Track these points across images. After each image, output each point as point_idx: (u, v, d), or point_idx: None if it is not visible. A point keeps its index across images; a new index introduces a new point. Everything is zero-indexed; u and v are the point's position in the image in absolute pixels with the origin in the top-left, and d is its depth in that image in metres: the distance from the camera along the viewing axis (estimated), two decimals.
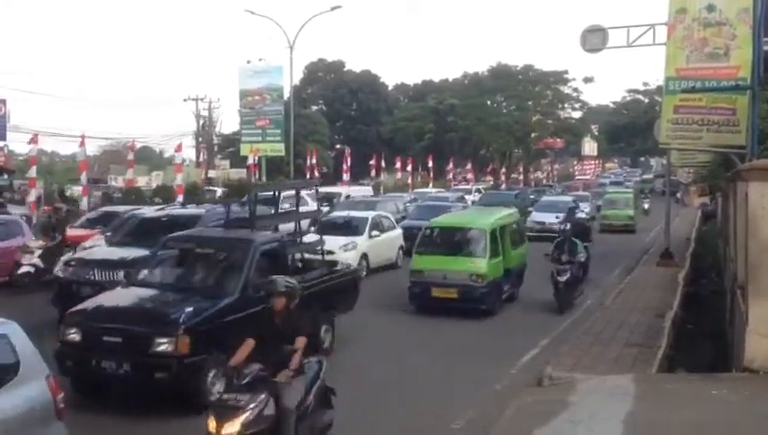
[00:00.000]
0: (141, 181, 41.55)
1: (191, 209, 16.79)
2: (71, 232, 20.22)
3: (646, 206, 42.64)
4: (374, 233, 20.70)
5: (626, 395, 8.87)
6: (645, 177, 75.48)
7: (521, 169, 75.31)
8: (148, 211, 18.03)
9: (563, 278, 15.52)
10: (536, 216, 30.91)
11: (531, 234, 26.18)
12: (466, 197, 40.10)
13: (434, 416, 8.96)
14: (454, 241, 16.09)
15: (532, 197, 40.87)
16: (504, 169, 69.36)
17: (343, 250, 18.98)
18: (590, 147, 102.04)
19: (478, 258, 15.02)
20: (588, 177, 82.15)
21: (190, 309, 9.00)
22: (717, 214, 29.04)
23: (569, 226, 18.52)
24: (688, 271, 20.51)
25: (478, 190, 44.01)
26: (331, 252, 18.58)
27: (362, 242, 19.98)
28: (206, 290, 9.90)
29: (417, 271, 15.27)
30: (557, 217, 24.79)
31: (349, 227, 20.40)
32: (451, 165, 55.99)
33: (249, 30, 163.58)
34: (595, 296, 17.42)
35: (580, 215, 21.68)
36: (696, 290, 18.75)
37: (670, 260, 21.79)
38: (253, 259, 10.05)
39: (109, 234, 16.75)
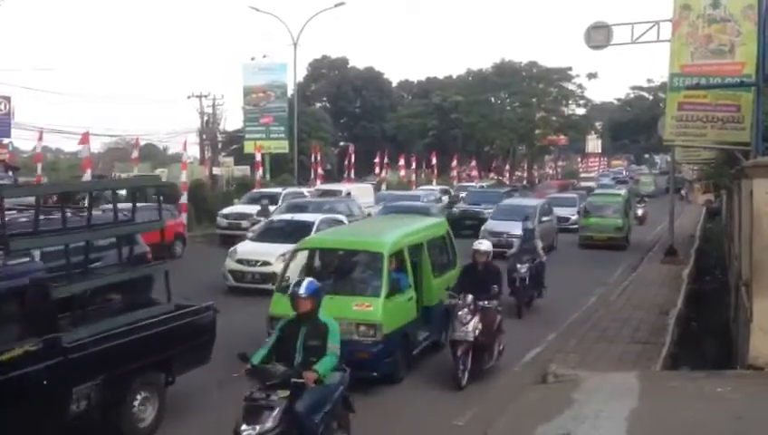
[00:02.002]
0: None
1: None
2: None
3: (639, 212, 35.33)
4: None
5: (630, 392, 8.86)
6: (643, 176, 69.13)
7: (525, 167, 75.24)
8: None
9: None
10: (492, 225, 23.58)
11: None
12: (445, 198, 36.14)
13: (436, 413, 8.97)
14: (336, 271, 11.13)
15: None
16: (507, 167, 69.35)
17: (282, 260, 15.48)
18: (593, 144, 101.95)
19: (369, 298, 9.86)
20: (592, 174, 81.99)
21: None
22: (722, 211, 29.00)
23: (522, 266, 14.78)
24: (693, 268, 20.50)
25: (482, 187, 43.86)
26: (267, 262, 16.45)
27: None
28: None
29: (277, 317, 9.02)
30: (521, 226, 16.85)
31: (292, 234, 16.72)
32: (455, 162, 55.97)
33: (253, 27, 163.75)
34: (599, 294, 17.43)
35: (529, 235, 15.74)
36: (700, 287, 18.75)
37: (674, 257, 21.79)
38: None
39: None
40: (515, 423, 8.23)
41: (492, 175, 68.12)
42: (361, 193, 31.66)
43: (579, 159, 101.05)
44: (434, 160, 52.46)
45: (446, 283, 11.65)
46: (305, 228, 16.97)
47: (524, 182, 64.74)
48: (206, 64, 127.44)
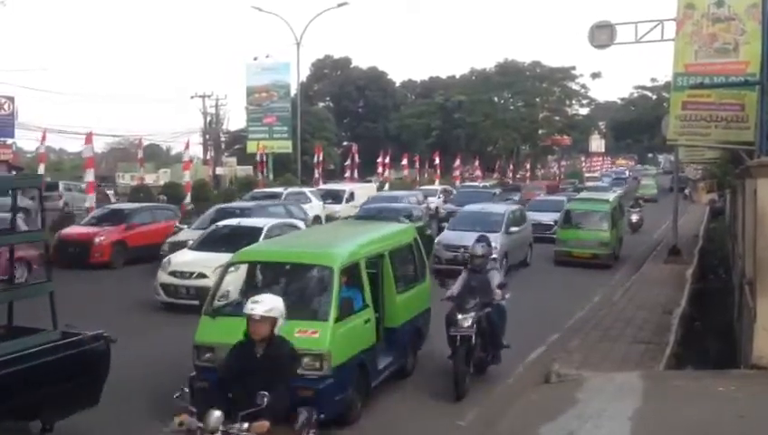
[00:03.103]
0: (149, 179, 41.74)
1: None
2: (76, 230, 20.36)
3: (634, 218, 31.08)
4: None
5: (633, 392, 8.85)
6: (645, 178, 66.40)
7: (528, 166, 75.30)
8: None
9: None
10: (449, 237, 19.80)
11: (439, 266, 18.20)
12: (431, 199, 33.44)
13: (438, 413, 8.95)
14: (277, 290, 8.83)
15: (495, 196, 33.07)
16: (511, 166, 69.35)
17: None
18: (597, 143, 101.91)
19: (314, 322, 8.18)
20: (596, 174, 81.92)
21: None
22: (726, 210, 28.92)
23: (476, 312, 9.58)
24: (696, 268, 20.46)
25: (484, 186, 43.74)
26: (202, 275, 14.23)
27: None
28: None
29: (204, 347, 8.24)
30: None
31: (238, 241, 13.64)
32: (458, 162, 56.01)
33: (256, 27, 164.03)
34: (603, 293, 17.41)
35: None
36: (704, 287, 18.70)
37: (678, 257, 21.73)
38: None
39: None
40: (519, 423, 8.22)
41: (495, 175, 68.09)
42: (364, 193, 31.66)
43: (582, 159, 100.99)
44: (437, 160, 52.51)
45: (412, 299, 10.30)
46: (253, 235, 14.79)
47: (527, 182, 64.72)
48: (209, 64, 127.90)
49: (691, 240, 26.16)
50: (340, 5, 43.55)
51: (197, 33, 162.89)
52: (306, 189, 30.60)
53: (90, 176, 23.82)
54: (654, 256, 23.30)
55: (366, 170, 50.75)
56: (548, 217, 26.18)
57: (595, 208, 23.05)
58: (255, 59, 52.39)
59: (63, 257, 19.21)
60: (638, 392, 8.86)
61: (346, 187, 33.85)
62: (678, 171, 30.41)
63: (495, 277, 10.15)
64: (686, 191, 49.32)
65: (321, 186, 35.13)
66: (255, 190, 30.01)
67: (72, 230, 20.39)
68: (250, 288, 9.59)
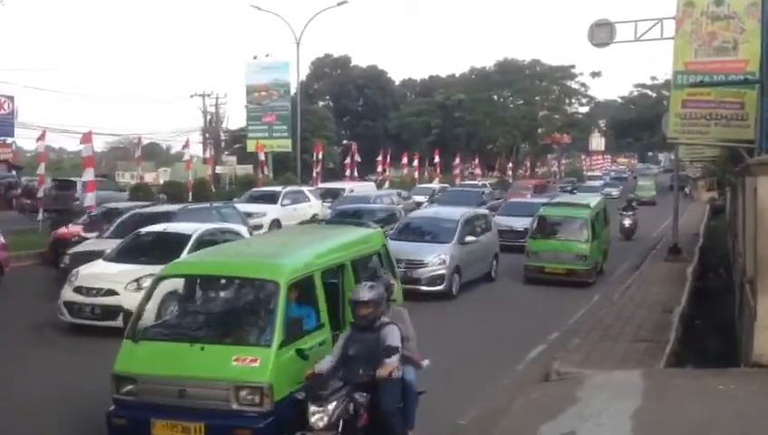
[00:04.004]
0: (148, 178, 41.74)
1: None
2: (73, 229, 20.33)
3: (626, 222, 28.22)
4: None
5: (634, 390, 8.83)
6: (642, 178, 64.86)
7: (528, 165, 75.35)
8: None
9: None
10: (396, 248, 13.96)
11: None
12: (416, 198, 33.12)
13: (439, 411, 8.92)
14: (211, 312, 8.01)
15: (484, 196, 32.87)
16: (510, 165, 69.39)
17: (134, 289, 11.92)
18: (597, 142, 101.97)
19: (254, 348, 6.91)
20: (596, 172, 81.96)
21: None
22: (726, 208, 28.90)
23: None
24: (696, 266, 20.46)
25: (484, 185, 43.79)
26: (112, 292, 12.21)
27: None
28: None
29: (126, 378, 7.02)
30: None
31: (162, 251, 12.27)
32: (458, 160, 56.06)
33: (256, 26, 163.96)
34: (603, 292, 17.40)
35: None
36: (704, 285, 18.71)
37: (678, 255, 21.74)
38: None
39: None
40: (519, 421, 8.20)
41: (496, 173, 68.11)
42: (364, 191, 31.65)
43: (582, 157, 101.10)
44: (437, 159, 52.51)
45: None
46: (179, 244, 12.93)
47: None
48: (209, 63, 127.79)
49: (691, 238, 26.16)
50: (339, 4, 43.49)
51: (197, 32, 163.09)
52: (305, 188, 30.57)
53: (89, 175, 23.74)
54: (654, 255, 23.30)
55: (366, 169, 50.82)
56: (521, 223, 22.49)
57: (572, 215, 19.39)
58: (255, 58, 52.47)
59: (60, 256, 19.21)
60: (638, 391, 8.85)
61: (346, 185, 33.85)
62: (679, 170, 30.35)
63: (390, 337, 6.65)
64: (687, 189, 49.34)
65: (321, 184, 35.11)
66: (253, 189, 29.93)
67: (68, 230, 20.35)
68: (182, 306, 8.47)
